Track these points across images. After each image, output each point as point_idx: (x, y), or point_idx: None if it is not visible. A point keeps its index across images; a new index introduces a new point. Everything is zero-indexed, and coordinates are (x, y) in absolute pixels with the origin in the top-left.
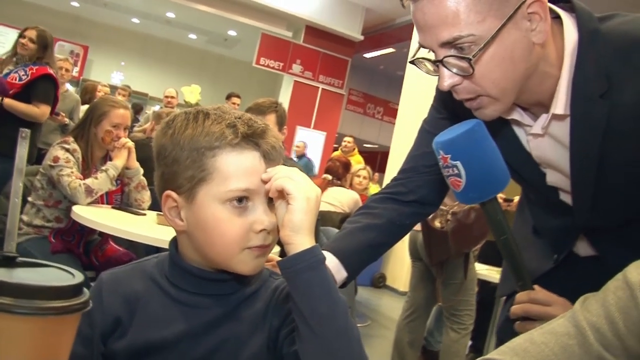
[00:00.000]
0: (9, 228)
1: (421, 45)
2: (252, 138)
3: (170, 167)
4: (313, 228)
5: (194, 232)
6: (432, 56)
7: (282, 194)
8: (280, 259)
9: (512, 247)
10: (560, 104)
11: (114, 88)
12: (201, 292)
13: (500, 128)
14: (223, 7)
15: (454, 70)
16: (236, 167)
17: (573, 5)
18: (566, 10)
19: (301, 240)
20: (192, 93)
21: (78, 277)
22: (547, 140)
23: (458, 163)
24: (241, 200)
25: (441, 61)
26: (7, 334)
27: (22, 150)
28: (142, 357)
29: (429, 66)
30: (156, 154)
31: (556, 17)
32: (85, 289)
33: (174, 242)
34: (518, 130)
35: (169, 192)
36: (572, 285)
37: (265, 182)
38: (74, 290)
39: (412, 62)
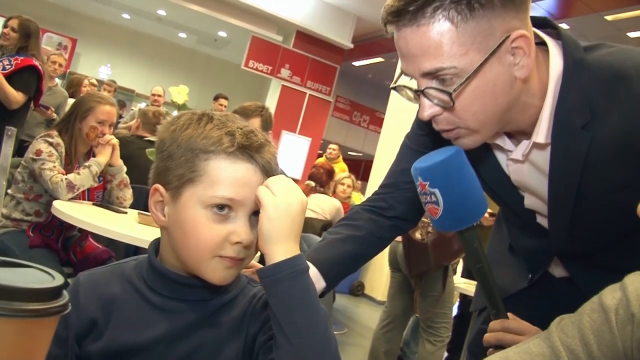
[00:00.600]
0: None
1: (403, 72)
2: (247, 150)
3: (164, 162)
4: (291, 236)
5: (173, 230)
6: (413, 84)
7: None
8: (260, 266)
9: (487, 276)
10: (542, 133)
11: (101, 83)
12: (178, 297)
13: (481, 150)
14: (214, 8)
15: (435, 101)
16: (226, 175)
17: (559, 33)
18: (552, 36)
19: (276, 250)
20: (179, 93)
21: (58, 279)
22: (527, 167)
23: (436, 191)
24: (222, 208)
25: (422, 91)
26: None
27: (7, 149)
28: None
29: (410, 94)
30: (156, 147)
31: (541, 43)
32: (64, 292)
33: (153, 245)
34: (499, 154)
35: (157, 185)
36: (546, 304)
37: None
38: (53, 293)
39: (393, 89)
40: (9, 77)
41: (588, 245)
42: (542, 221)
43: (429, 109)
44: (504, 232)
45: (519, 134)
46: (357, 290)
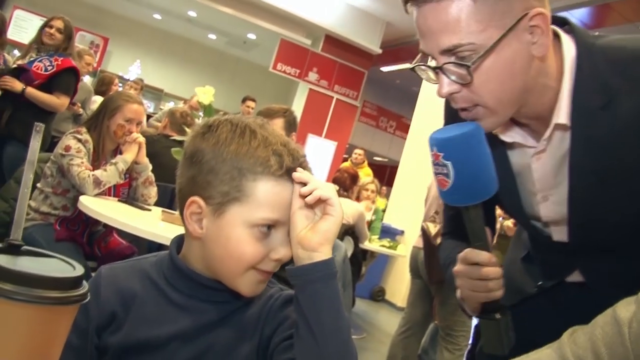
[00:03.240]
0: (17, 217)
1: (422, 52)
2: (292, 170)
3: (205, 175)
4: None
5: (211, 244)
6: (433, 64)
7: (317, 204)
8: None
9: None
10: (563, 113)
11: (124, 81)
12: (197, 296)
13: (497, 156)
14: (245, 10)
15: (453, 77)
16: (273, 198)
17: (570, 26)
18: (564, 31)
19: (327, 250)
20: (205, 94)
21: (78, 269)
22: (548, 157)
23: (449, 163)
24: (269, 227)
25: (441, 68)
26: (4, 320)
27: (35, 144)
28: (132, 353)
29: (430, 73)
30: (190, 155)
31: (554, 35)
32: (84, 282)
33: (175, 242)
34: (517, 159)
35: (196, 198)
36: (555, 310)
37: (304, 195)
38: (73, 282)
39: (412, 70)
40: (50, 77)
41: (608, 237)
42: (560, 236)
43: (448, 86)
44: (523, 238)
45: (537, 121)
46: (378, 296)
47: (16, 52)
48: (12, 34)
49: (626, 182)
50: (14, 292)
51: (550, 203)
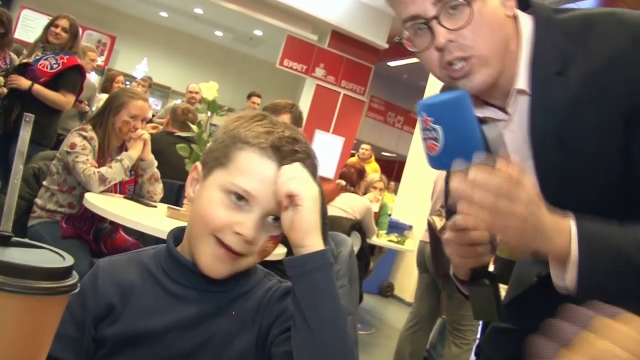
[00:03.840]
0: (7, 208)
1: (407, 19)
2: (278, 152)
3: (212, 144)
4: (319, 227)
5: (193, 206)
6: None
7: (292, 199)
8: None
9: None
10: (522, 80)
11: (131, 79)
12: (195, 286)
13: None
14: (250, 7)
15: (449, 25)
16: (251, 168)
17: (532, 7)
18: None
19: (313, 242)
20: (209, 90)
21: (68, 260)
22: (517, 127)
23: (439, 127)
24: (240, 198)
25: (437, 17)
26: None
27: (24, 134)
28: (130, 345)
29: (418, 41)
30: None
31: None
32: (74, 272)
33: (172, 234)
34: (490, 135)
35: (197, 163)
36: (556, 301)
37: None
38: (63, 273)
39: (398, 42)
40: (56, 75)
41: (581, 205)
42: None
43: (446, 34)
44: None
45: (506, 97)
46: (387, 291)
47: (25, 52)
48: (20, 33)
49: (585, 147)
50: (4, 282)
51: (529, 176)
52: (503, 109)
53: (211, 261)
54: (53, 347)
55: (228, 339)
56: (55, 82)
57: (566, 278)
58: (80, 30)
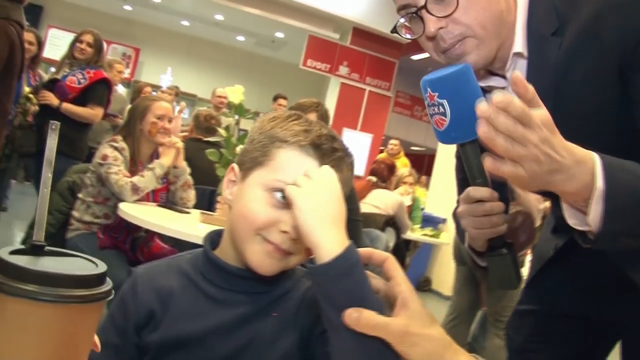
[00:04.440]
0: (38, 218)
1: (400, 8)
2: (319, 149)
3: (246, 145)
4: (331, 224)
5: (233, 207)
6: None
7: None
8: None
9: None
10: (519, 43)
11: (156, 89)
12: (233, 288)
13: None
14: (270, 10)
15: (438, 13)
16: (292, 165)
17: None
18: None
19: (321, 241)
20: (234, 93)
21: (101, 267)
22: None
23: (444, 102)
24: (284, 196)
25: (425, 6)
26: (31, 320)
27: (51, 142)
28: (173, 350)
29: (412, 26)
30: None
31: None
32: (108, 279)
33: (209, 237)
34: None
35: (233, 164)
36: (573, 274)
37: None
38: (96, 280)
39: (394, 31)
40: (84, 90)
41: None
42: None
43: (435, 23)
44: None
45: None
46: (424, 286)
47: (52, 69)
48: (47, 52)
49: (582, 103)
50: (38, 292)
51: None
52: (504, 76)
53: (262, 258)
54: (97, 354)
55: (269, 341)
56: (84, 96)
57: (589, 216)
58: (105, 45)
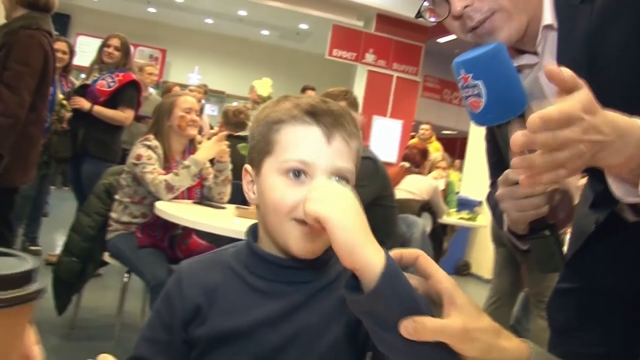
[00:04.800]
0: None
1: None
2: (313, 115)
3: (251, 142)
4: (367, 235)
5: (261, 204)
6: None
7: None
8: None
9: None
10: (548, 15)
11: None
12: (278, 279)
13: None
14: (293, 2)
15: None
16: (294, 140)
17: None
18: None
19: (363, 260)
20: (263, 86)
21: (29, 263)
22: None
23: (479, 82)
24: (298, 174)
25: None
26: None
27: None
28: (221, 344)
29: (436, 8)
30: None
31: None
32: (36, 276)
33: (251, 230)
34: (527, 83)
35: (246, 166)
36: (616, 249)
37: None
38: (22, 279)
39: (418, 16)
40: (114, 93)
41: None
42: None
43: (461, 1)
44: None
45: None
46: (463, 270)
47: (82, 76)
48: (77, 59)
49: (615, 69)
50: None
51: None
52: (535, 53)
53: (302, 242)
54: (146, 350)
55: (317, 331)
56: (114, 99)
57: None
58: (132, 47)
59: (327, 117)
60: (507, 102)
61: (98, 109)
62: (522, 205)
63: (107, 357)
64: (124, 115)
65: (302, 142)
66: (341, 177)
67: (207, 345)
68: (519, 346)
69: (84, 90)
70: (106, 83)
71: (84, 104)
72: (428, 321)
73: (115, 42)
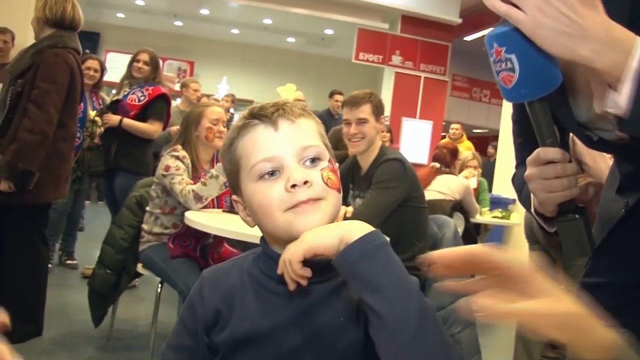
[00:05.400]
0: None
1: None
2: (256, 116)
3: (225, 174)
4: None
5: (255, 219)
6: None
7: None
8: None
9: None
10: None
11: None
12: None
13: None
14: (318, 7)
15: None
16: (250, 145)
17: None
18: None
19: (349, 233)
20: (287, 92)
21: None
22: None
23: (513, 56)
24: (272, 172)
25: None
26: None
27: None
28: (241, 347)
29: None
30: None
31: None
32: None
33: (263, 237)
34: None
35: (232, 196)
36: None
37: None
38: None
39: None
40: (144, 106)
41: None
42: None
43: None
44: (614, 173)
45: None
46: None
47: (113, 92)
48: (107, 75)
49: None
50: None
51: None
52: None
53: (303, 222)
54: (172, 357)
55: (336, 330)
56: (144, 112)
57: (620, 93)
58: (161, 61)
59: (266, 109)
60: (539, 78)
61: (127, 121)
62: (551, 185)
63: None
64: (152, 128)
65: (256, 143)
66: (312, 158)
67: (228, 350)
68: (610, 335)
69: (116, 106)
70: (136, 97)
71: (112, 119)
72: (521, 304)
73: (144, 56)
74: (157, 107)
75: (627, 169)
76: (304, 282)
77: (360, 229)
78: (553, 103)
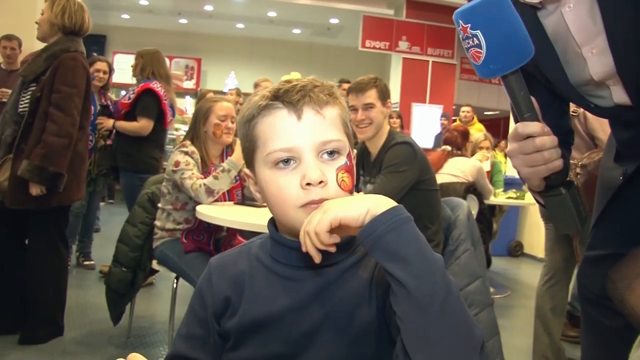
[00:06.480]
0: None
1: None
2: (279, 98)
3: (241, 146)
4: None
5: (266, 200)
6: None
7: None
8: None
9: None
10: None
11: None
12: (303, 264)
13: (530, 24)
14: None
15: None
16: (269, 129)
17: None
18: None
19: (371, 209)
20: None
21: None
22: (577, 4)
23: (478, 32)
24: (287, 161)
25: None
26: None
27: None
28: (252, 333)
29: None
30: None
31: None
32: None
33: (272, 220)
34: (549, 21)
35: (244, 169)
36: None
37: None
38: None
39: None
40: (133, 104)
41: None
42: (620, 97)
43: None
44: (611, 141)
45: None
46: (516, 251)
47: (122, 93)
48: (115, 77)
49: None
50: None
51: (597, 54)
52: None
53: None
54: (183, 346)
55: (347, 313)
56: (133, 110)
57: None
58: (167, 60)
59: (291, 94)
60: (507, 53)
61: (119, 124)
62: (532, 159)
63: (137, 356)
64: (139, 125)
65: (276, 129)
66: (330, 151)
67: (239, 336)
68: None
69: (106, 110)
70: (128, 96)
71: (107, 123)
72: None
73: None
74: (142, 102)
75: (624, 135)
76: (332, 249)
77: (387, 202)
78: (551, 71)
